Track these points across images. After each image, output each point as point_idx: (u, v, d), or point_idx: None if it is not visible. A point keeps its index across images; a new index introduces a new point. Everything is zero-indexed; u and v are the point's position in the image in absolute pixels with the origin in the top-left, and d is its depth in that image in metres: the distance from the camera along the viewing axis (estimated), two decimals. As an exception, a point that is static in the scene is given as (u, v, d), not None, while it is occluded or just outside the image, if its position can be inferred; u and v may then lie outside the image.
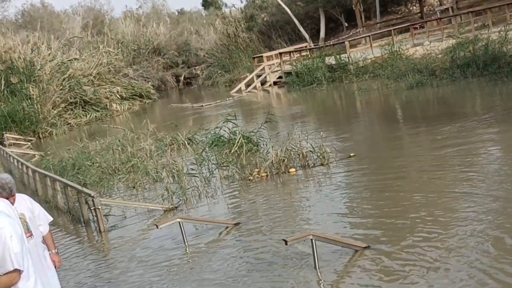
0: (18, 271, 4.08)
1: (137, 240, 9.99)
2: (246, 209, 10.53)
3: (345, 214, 9.06)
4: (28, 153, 25.06)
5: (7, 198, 5.09)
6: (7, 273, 4.04)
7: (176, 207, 11.36)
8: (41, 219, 6.04)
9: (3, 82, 34.24)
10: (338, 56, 30.41)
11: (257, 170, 12.70)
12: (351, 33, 41.76)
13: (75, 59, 39.18)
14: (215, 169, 13.89)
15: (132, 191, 13.74)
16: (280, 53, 37.25)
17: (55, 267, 6.22)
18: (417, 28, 32.43)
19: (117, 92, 38.37)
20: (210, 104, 31.92)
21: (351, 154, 12.78)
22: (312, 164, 12.60)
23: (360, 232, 8.10)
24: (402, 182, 10.18)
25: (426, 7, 42.18)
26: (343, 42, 32.89)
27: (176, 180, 13.22)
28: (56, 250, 6.33)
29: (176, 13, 73.53)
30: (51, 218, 6.24)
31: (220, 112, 25.02)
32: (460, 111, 16.22)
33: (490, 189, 8.67)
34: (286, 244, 7.05)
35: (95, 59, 40.00)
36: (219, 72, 46.26)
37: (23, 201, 5.85)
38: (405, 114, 18.02)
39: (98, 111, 36.24)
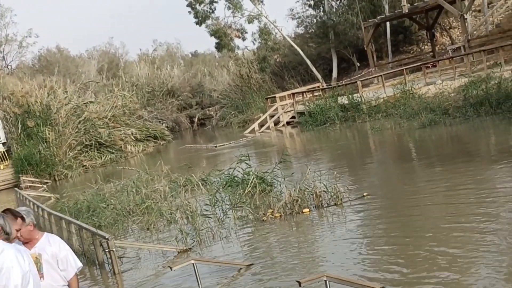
0: None
1: (151, 281, 9.99)
2: (260, 249, 10.51)
3: (360, 255, 9.02)
4: (43, 196, 25.25)
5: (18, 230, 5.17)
6: None
7: (190, 248, 11.37)
8: (65, 264, 6.01)
9: (19, 125, 34.69)
10: (350, 96, 30.56)
11: (270, 210, 12.71)
12: (363, 73, 42.03)
13: (90, 102, 39.70)
14: (228, 210, 13.91)
15: (146, 232, 13.78)
16: (293, 93, 37.49)
17: None
18: (429, 67, 32.57)
19: (132, 134, 38.71)
20: (223, 145, 32.07)
21: (365, 194, 12.77)
22: (326, 204, 12.59)
23: (375, 273, 8.06)
24: (417, 221, 10.14)
25: (438, 46, 42.42)
26: (355, 82, 33.06)
27: (190, 221, 13.25)
28: None
29: (190, 56, 74.44)
30: (80, 265, 6.06)
31: (234, 152, 25.13)
32: (474, 149, 16.19)
33: (506, 227, 8.62)
34: (300, 285, 7.03)
35: (110, 101, 40.49)
36: (232, 113, 46.59)
37: (48, 242, 5.88)
38: (419, 152, 17.99)
39: (113, 153, 36.53)
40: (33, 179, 30.94)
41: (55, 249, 5.95)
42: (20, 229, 5.40)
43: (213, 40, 50.28)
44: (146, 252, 11.84)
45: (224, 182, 16.35)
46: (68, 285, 6.19)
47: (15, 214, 5.29)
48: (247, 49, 54.71)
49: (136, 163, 32.32)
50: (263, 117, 38.05)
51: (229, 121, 45.99)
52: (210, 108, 52.75)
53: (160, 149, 39.22)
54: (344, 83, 36.36)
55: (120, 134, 37.96)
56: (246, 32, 49.80)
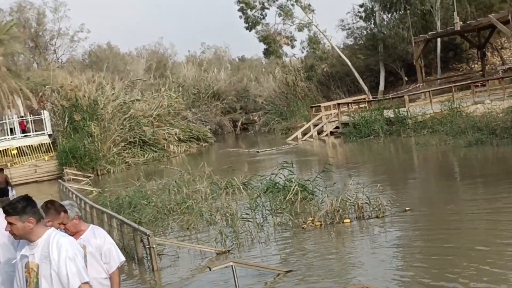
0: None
1: (189, 280, 10.07)
2: (298, 257, 10.50)
3: (399, 269, 8.96)
4: (86, 189, 25.63)
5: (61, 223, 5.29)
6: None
7: (228, 251, 11.41)
8: (108, 257, 6.10)
9: (66, 118, 35.32)
10: (396, 110, 30.31)
11: (311, 218, 12.69)
12: (410, 88, 41.64)
13: (137, 100, 40.22)
14: (268, 215, 13.93)
15: (185, 232, 13.87)
16: (338, 104, 37.36)
17: None
18: (478, 86, 32.14)
19: (175, 134, 39.07)
20: (265, 151, 32.12)
21: (407, 208, 12.65)
22: (367, 216, 12.51)
23: (411, 286, 7.98)
24: (458, 239, 10.01)
25: (488, 65, 41.79)
26: (403, 96, 32.78)
27: (230, 223, 13.29)
28: None
29: (237, 60, 74.85)
30: (122, 259, 6.13)
31: (275, 159, 25.14)
32: (520, 171, 15.89)
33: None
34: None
35: (156, 101, 40.93)
36: (276, 119, 46.64)
37: (93, 234, 5.98)
38: (463, 171, 17.74)
39: (155, 151, 36.90)
40: (76, 172, 31.44)
41: (99, 242, 6.05)
42: (62, 223, 5.48)
43: (262, 46, 50.57)
44: (184, 251, 11.92)
45: (265, 188, 16.38)
46: (109, 278, 6.28)
47: (58, 209, 5.38)
48: (295, 56, 54.82)
49: (178, 163, 32.59)
50: (306, 126, 38.01)
51: (272, 128, 46.04)
52: (254, 113, 52.90)
53: (202, 151, 39.48)
54: (391, 96, 36.10)
55: (164, 134, 38.33)
56: (295, 40, 49.98)
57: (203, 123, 47.31)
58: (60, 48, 64.66)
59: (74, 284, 4.43)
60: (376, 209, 12.56)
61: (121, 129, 35.85)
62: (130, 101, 38.99)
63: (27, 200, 4.62)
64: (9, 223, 4.53)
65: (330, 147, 32.18)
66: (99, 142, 34.05)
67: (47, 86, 41.23)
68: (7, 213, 4.54)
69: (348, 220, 12.36)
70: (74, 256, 4.52)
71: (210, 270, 9.31)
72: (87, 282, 4.52)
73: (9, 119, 38.30)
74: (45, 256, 4.49)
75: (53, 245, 4.48)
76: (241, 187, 17.64)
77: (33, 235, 4.54)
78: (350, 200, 13.05)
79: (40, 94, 41.95)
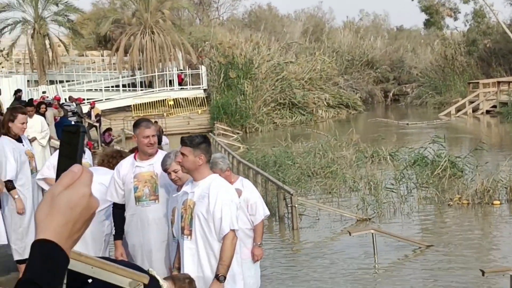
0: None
1: (327, 242, 10.15)
2: (441, 233, 10.25)
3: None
4: (234, 145, 26.35)
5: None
6: None
7: (369, 219, 11.34)
8: (254, 209, 6.33)
9: (222, 75, 36.33)
10: None
11: (458, 196, 12.27)
12: None
13: (290, 62, 40.44)
14: (413, 188, 13.63)
15: (327, 195, 13.91)
16: (499, 82, 35.51)
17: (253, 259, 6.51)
18: None
19: (325, 99, 38.99)
20: (416, 124, 31.31)
21: None
22: (520, 200, 11.91)
23: None
24: None
25: None
26: None
27: (373, 192, 13.15)
28: (260, 243, 6.56)
29: (395, 29, 72.93)
30: (267, 213, 6.44)
31: (425, 133, 24.44)
32: None
33: None
34: (483, 274, 6.76)
35: (309, 64, 40.93)
36: (429, 93, 45.17)
37: (242, 186, 6.21)
38: None
39: (303, 114, 37.10)
40: (226, 128, 32.37)
41: (247, 194, 6.26)
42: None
43: (422, 16, 48.97)
44: (324, 214, 11.98)
45: (413, 160, 15.98)
46: (253, 230, 6.49)
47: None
48: (456, 30, 52.53)
49: (325, 128, 32.61)
50: (461, 102, 36.55)
51: (425, 101, 44.68)
52: (407, 85, 51.47)
53: (350, 118, 39.14)
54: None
55: (314, 98, 38.37)
56: (459, 12, 47.84)
57: (353, 91, 46.73)
58: (223, 6, 66.28)
59: (225, 229, 4.60)
60: (531, 193, 11.91)
61: (273, 89, 36.33)
62: (284, 62, 39.26)
63: (204, 138, 4.88)
64: (182, 154, 4.76)
65: (485, 126, 30.77)
66: (251, 100, 34.77)
67: (206, 42, 42.50)
68: (184, 143, 4.78)
69: (498, 202, 11.83)
70: (230, 203, 4.68)
71: (350, 235, 9.32)
72: (235, 230, 4.68)
73: (169, 71, 40.05)
74: (203, 196, 4.69)
75: (213, 188, 4.67)
76: (388, 157, 17.37)
77: (199, 173, 4.74)
78: (502, 181, 12.46)
79: (200, 49, 43.31)
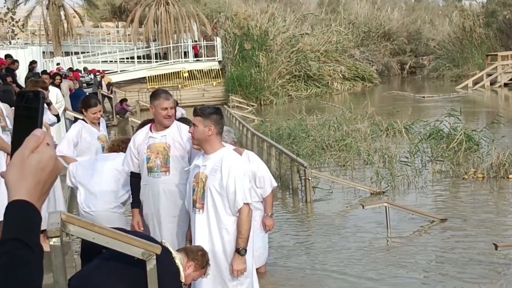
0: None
1: (340, 215, 10.16)
2: (455, 206, 10.21)
3: None
4: (248, 117, 26.30)
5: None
6: None
7: (383, 192, 11.31)
8: (262, 182, 6.36)
9: (237, 47, 36.14)
10: None
11: (473, 170, 12.19)
12: None
13: (306, 34, 40.13)
14: (428, 162, 13.57)
15: (341, 168, 13.89)
16: (517, 54, 35.10)
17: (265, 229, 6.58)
18: None
19: (341, 71, 38.74)
20: (432, 97, 31.08)
21: None
22: (537, 175, 11.81)
23: None
24: None
25: None
26: None
27: (387, 166, 13.09)
28: (271, 214, 6.63)
29: (413, 0, 72.10)
30: (275, 184, 6.57)
31: (442, 106, 24.24)
32: None
33: None
34: (496, 248, 6.73)
35: (325, 36, 40.60)
36: (447, 65, 44.72)
37: (248, 159, 6.23)
38: None
39: (319, 87, 36.92)
40: (241, 100, 32.30)
41: (253, 168, 6.29)
42: None
43: (441, -13, 48.16)
44: (338, 187, 11.97)
45: (428, 134, 15.88)
46: (263, 201, 6.54)
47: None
48: (475, 0, 51.79)
49: (340, 101, 32.46)
50: (479, 74, 36.20)
51: (442, 74, 44.25)
52: (424, 57, 51.00)
53: (365, 91, 38.88)
54: None
55: (329, 70, 38.14)
56: (478, -17, 46.96)
57: (369, 63, 46.37)
58: (238, -24, 65.84)
59: (239, 202, 4.60)
60: (548, 168, 11.81)
61: (288, 61, 36.14)
62: (300, 34, 38.98)
63: (216, 109, 4.91)
64: (193, 124, 4.76)
65: (502, 99, 30.48)
66: (265, 72, 34.62)
67: (221, 13, 42.22)
68: (195, 113, 4.79)
69: (514, 176, 11.75)
70: (243, 176, 4.67)
71: (363, 208, 9.31)
72: (248, 204, 4.68)
73: (184, 42, 39.94)
74: (215, 169, 4.68)
75: (225, 161, 4.66)
76: (403, 130, 17.27)
77: (210, 145, 4.73)
78: (519, 155, 12.36)
79: (215, 20, 43.10)
